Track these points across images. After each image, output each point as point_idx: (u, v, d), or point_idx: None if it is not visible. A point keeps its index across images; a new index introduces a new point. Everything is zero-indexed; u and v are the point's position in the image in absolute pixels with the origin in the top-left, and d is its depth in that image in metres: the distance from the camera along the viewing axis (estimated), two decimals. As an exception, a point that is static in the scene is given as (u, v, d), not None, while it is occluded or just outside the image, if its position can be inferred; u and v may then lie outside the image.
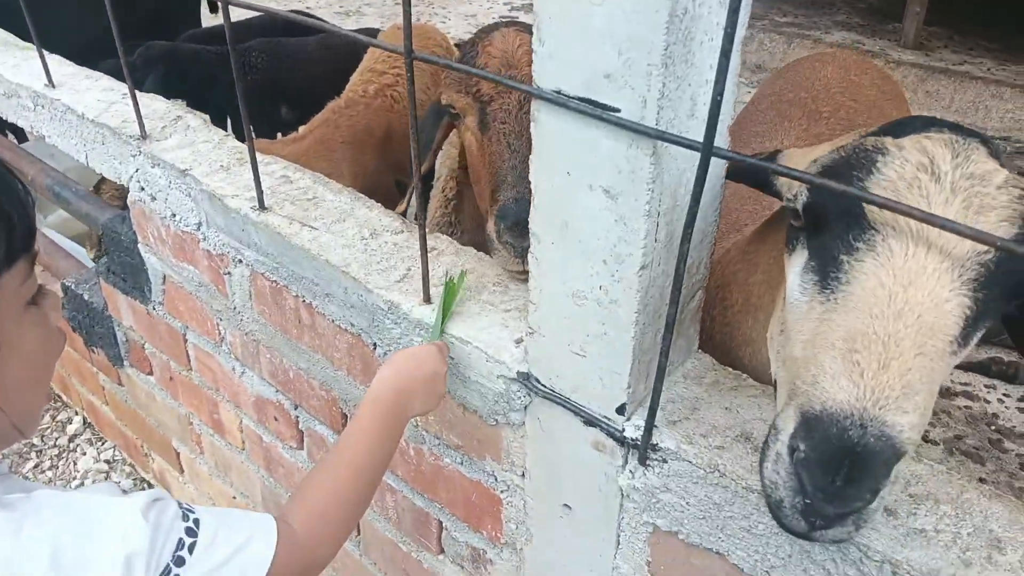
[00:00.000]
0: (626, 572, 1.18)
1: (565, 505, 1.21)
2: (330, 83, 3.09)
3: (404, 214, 1.52)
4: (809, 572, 0.93)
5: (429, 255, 1.39)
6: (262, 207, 1.50)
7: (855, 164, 0.88)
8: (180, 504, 0.94)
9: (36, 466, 2.73)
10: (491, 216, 1.26)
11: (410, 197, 1.48)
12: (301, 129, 2.80)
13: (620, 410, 1.05)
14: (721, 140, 0.92)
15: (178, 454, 2.39)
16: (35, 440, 2.81)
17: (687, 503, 1.03)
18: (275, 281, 1.53)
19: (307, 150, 2.60)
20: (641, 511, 1.09)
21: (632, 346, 0.99)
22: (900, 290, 0.78)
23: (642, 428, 1.02)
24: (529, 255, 1.05)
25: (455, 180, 2.04)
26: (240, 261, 1.60)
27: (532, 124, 0.95)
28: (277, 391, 1.74)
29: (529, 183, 0.99)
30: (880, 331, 0.76)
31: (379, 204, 1.54)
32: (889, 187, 0.84)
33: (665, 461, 1.03)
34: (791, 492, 0.78)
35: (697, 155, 0.80)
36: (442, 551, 1.54)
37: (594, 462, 1.12)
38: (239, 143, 1.73)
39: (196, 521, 0.93)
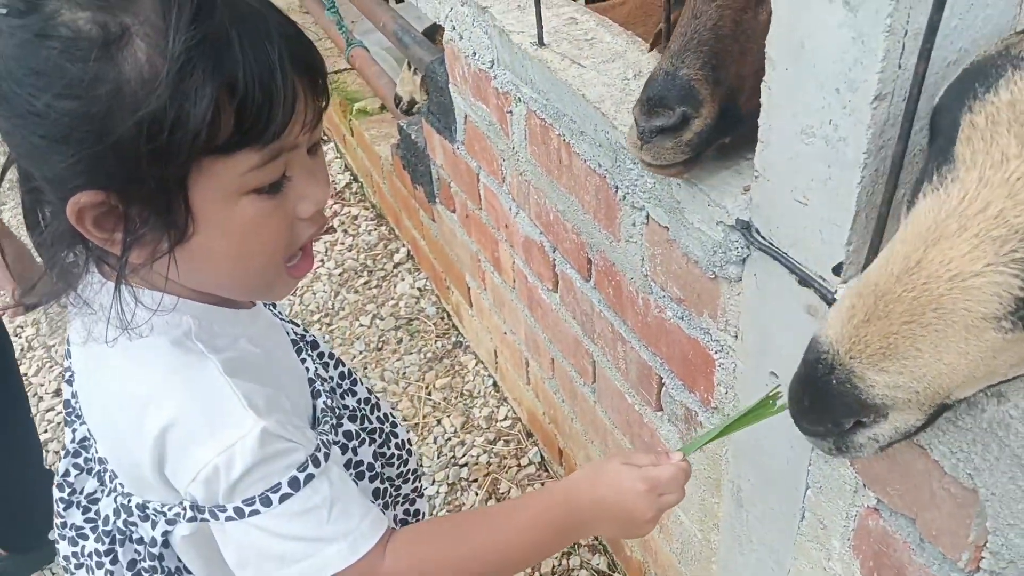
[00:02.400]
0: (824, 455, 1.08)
1: (772, 373, 1.13)
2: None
3: None
4: (1017, 481, 0.77)
5: (687, 100, 1.33)
6: (541, 43, 1.54)
7: (985, 72, 0.67)
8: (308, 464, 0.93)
9: (365, 283, 3.19)
10: None
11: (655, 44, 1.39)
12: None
13: (836, 270, 0.94)
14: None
15: (469, 289, 2.63)
16: (368, 262, 3.28)
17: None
18: (543, 119, 1.57)
19: (626, 16, 2.56)
20: (846, 389, 0.98)
21: (857, 193, 0.87)
22: (920, 247, 0.65)
23: (855, 291, 0.90)
24: (763, 84, 0.95)
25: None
26: (520, 100, 1.67)
27: (778, -74, 0.84)
28: (541, 233, 1.82)
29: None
30: (880, 284, 0.68)
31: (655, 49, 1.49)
32: (990, 116, 0.64)
33: (876, 333, 0.90)
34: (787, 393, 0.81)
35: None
36: (661, 408, 1.54)
37: (805, 327, 1.02)
38: (541, -13, 1.77)
39: (310, 477, 0.91)
